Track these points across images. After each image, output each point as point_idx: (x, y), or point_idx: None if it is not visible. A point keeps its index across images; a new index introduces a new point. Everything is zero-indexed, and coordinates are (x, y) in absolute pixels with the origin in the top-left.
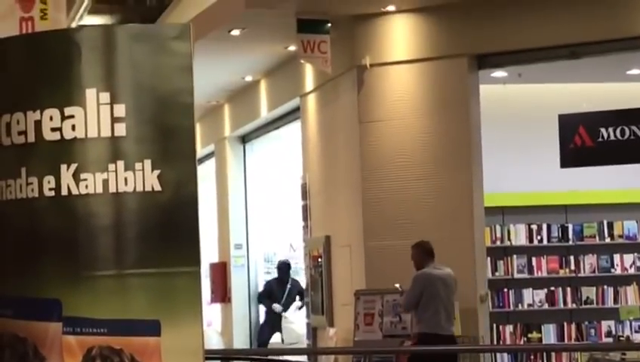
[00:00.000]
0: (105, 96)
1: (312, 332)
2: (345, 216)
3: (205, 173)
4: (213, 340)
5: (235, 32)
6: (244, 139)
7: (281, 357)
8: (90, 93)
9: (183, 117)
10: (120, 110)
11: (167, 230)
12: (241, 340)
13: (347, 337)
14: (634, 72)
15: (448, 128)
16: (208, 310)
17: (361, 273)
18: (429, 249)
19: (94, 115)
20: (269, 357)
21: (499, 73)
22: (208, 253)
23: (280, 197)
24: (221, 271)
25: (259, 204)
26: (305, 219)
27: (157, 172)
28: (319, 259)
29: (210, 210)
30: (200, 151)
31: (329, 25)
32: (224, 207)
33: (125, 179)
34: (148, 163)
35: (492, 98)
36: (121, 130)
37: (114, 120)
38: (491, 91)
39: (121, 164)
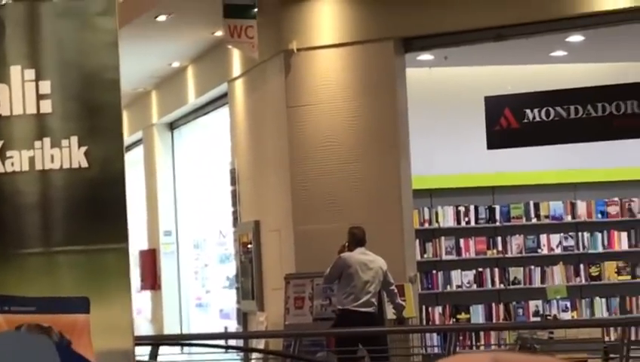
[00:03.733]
0: (30, 73)
1: (243, 317)
2: (274, 201)
3: (133, 161)
4: (143, 328)
5: (162, 18)
6: (172, 126)
7: (209, 342)
8: (15, 70)
9: (109, 93)
10: (45, 87)
11: (95, 206)
12: (171, 327)
13: (278, 321)
14: (557, 53)
15: (375, 111)
16: (138, 298)
17: (291, 257)
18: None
19: (19, 92)
20: (199, 342)
21: (425, 56)
22: (137, 240)
23: (209, 183)
24: (150, 258)
25: (188, 191)
26: (234, 204)
27: (84, 148)
28: (249, 246)
29: (138, 197)
30: (127, 138)
31: (255, 10)
32: (153, 193)
33: (52, 156)
34: (74, 139)
35: (419, 81)
36: (46, 106)
37: (39, 97)
38: (418, 74)
39: (47, 140)
